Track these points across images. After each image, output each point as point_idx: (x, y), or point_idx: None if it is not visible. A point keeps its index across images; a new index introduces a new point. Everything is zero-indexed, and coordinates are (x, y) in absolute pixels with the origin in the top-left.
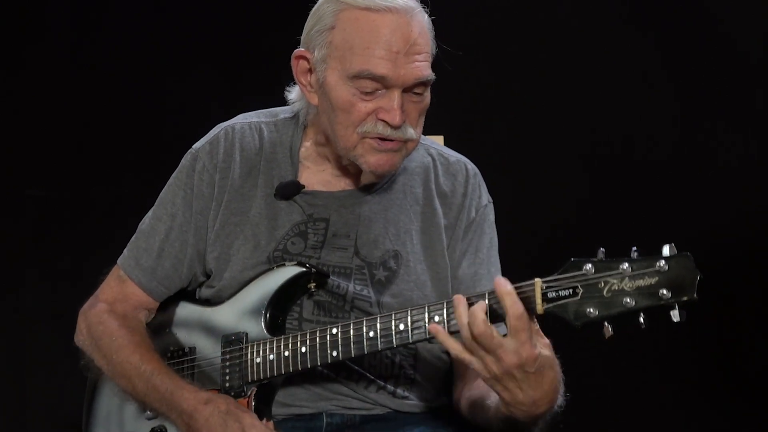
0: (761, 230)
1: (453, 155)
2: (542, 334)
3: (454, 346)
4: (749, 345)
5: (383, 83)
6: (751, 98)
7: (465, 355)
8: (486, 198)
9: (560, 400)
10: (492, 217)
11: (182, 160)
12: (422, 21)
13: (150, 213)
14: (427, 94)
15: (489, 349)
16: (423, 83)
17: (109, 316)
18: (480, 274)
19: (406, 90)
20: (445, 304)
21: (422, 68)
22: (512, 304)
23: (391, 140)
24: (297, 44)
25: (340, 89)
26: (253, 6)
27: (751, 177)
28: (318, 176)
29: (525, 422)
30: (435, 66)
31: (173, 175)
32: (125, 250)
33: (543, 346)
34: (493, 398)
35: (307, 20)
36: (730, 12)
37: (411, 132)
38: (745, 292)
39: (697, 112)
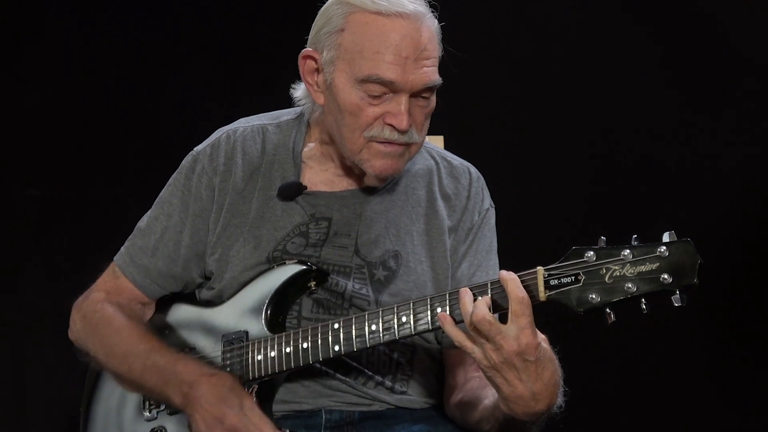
0: (760, 222)
1: (456, 159)
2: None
3: (458, 335)
4: (751, 335)
5: (391, 88)
6: (750, 95)
7: (467, 344)
8: (488, 202)
9: (560, 399)
10: (493, 221)
11: (183, 162)
12: (431, 26)
13: (148, 212)
14: (434, 98)
15: (489, 335)
16: (430, 88)
17: (104, 304)
18: (477, 276)
19: (414, 95)
20: (447, 295)
21: (430, 74)
22: (514, 288)
23: (397, 144)
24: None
25: (348, 92)
26: (254, 6)
27: (752, 172)
28: (321, 176)
29: (524, 420)
30: (440, 68)
31: (173, 175)
32: (122, 248)
33: (542, 340)
34: (489, 399)
35: (316, 20)
36: (732, 12)
37: (416, 136)
38: (747, 284)
39: (697, 108)
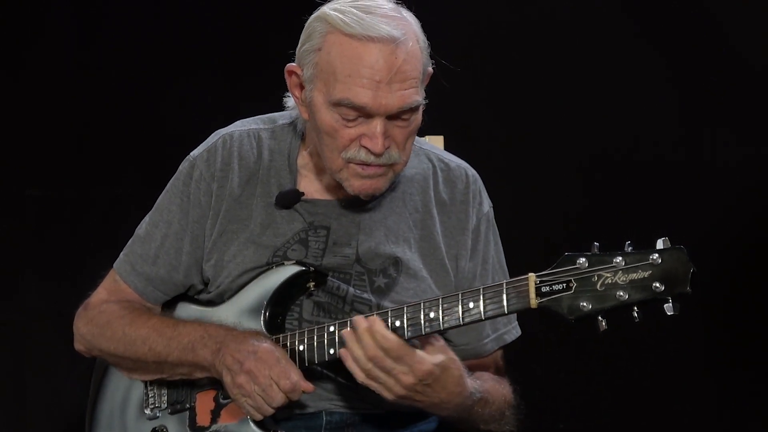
0: (760, 225)
1: (454, 161)
2: (437, 337)
3: (359, 374)
4: (749, 338)
5: (364, 112)
6: (749, 99)
7: (370, 382)
8: (487, 204)
9: (470, 385)
10: (494, 222)
11: (179, 167)
12: (409, 47)
13: (147, 218)
14: (416, 117)
15: (385, 370)
16: (409, 109)
17: (108, 304)
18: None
19: (392, 116)
20: (440, 300)
21: (406, 96)
22: (377, 342)
23: (375, 165)
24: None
25: (324, 113)
26: (254, 9)
27: (748, 177)
28: (317, 184)
29: (453, 416)
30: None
31: (170, 181)
32: (121, 255)
33: (437, 351)
34: None
35: (302, 34)
36: (732, 12)
37: (396, 156)
38: (745, 287)
39: (696, 111)
